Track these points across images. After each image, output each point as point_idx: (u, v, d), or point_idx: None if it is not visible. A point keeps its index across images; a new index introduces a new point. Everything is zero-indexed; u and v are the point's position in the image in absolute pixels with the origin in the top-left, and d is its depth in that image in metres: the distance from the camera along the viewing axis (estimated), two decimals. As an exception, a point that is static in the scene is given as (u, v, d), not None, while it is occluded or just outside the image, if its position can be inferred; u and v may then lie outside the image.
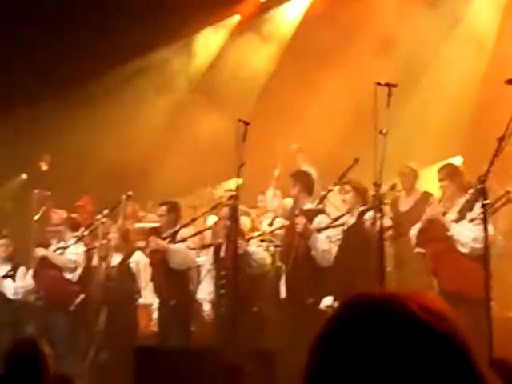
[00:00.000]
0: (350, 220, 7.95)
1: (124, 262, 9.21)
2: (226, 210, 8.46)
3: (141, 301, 9.09)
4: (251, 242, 8.44)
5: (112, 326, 8.97)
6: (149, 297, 9.03)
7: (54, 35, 11.61)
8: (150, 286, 8.99)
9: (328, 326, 1.18)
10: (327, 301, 7.59)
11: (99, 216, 9.61)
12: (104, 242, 9.62)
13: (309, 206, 8.27)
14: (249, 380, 4.59)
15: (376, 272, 6.17)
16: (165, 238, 8.75)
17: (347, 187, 7.99)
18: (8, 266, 9.70)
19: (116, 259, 9.29)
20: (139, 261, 9.17)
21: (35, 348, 3.30)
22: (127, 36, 11.40)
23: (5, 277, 9.60)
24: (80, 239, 9.46)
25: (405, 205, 8.64)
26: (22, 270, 9.65)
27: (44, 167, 11.56)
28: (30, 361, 3.25)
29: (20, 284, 9.54)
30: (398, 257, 8.13)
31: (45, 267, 9.30)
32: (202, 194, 11.49)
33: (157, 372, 4.74)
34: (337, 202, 8.53)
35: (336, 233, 8.02)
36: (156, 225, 9.42)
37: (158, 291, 8.82)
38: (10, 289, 9.56)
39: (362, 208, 7.81)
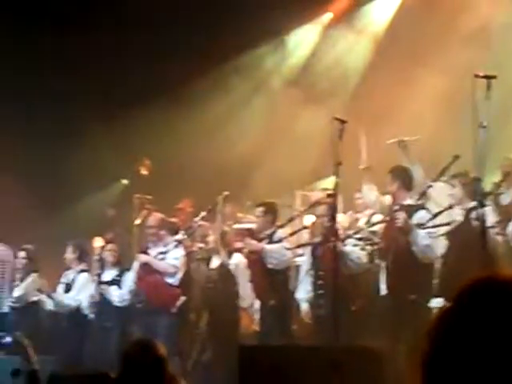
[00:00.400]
0: (458, 217, 7.83)
1: (223, 264, 9.28)
2: (323, 209, 8.44)
3: (241, 301, 9.16)
4: (348, 241, 8.39)
5: (214, 326, 9.07)
6: (249, 297, 9.09)
7: (150, 36, 11.81)
8: (250, 286, 9.05)
9: (453, 305, 1.17)
10: (437, 302, 7.49)
11: (197, 218, 9.70)
12: (202, 245, 9.73)
13: (408, 201, 8.18)
14: (352, 377, 4.59)
15: (486, 269, 6.03)
16: (262, 239, 8.78)
17: (454, 181, 7.88)
18: (115, 271, 9.79)
19: (215, 261, 9.37)
20: (238, 262, 9.22)
21: (152, 349, 3.36)
22: (223, 36, 11.53)
23: (111, 283, 9.72)
24: (180, 243, 9.51)
25: (506, 198, 8.46)
26: (128, 275, 9.70)
27: (144, 172, 11.78)
28: (147, 362, 3.29)
29: (126, 290, 9.62)
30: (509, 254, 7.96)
31: (147, 272, 9.41)
32: (298, 193, 11.49)
33: (260, 369, 4.78)
34: (438, 198, 8.40)
35: (438, 229, 7.91)
36: (252, 226, 9.46)
37: (258, 292, 8.86)
38: (116, 295, 9.65)
39: (470, 204, 7.67)
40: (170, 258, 9.39)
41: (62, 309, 9.95)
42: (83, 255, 10.28)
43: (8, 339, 4.69)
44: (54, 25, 11.66)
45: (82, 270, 10.19)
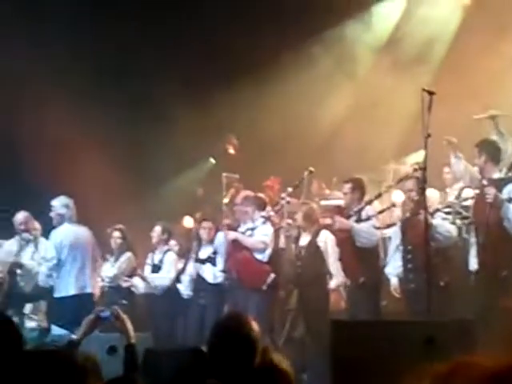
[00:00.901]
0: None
1: (312, 241, 9.29)
2: (412, 183, 8.37)
3: (330, 279, 9.16)
4: (437, 214, 8.30)
5: (304, 303, 9.11)
6: (337, 274, 9.08)
7: (238, 11, 11.85)
8: (338, 263, 9.04)
9: None
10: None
11: (284, 194, 9.71)
12: (290, 221, 9.74)
13: (497, 175, 8.03)
14: (446, 352, 4.56)
15: None
16: (350, 216, 8.74)
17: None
18: (210, 249, 9.85)
19: (304, 239, 9.39)
20: (327, 239, 9.22)
21: (244, 322, 3.42)
22: (311, 10, 11.50)
23: (206, 260, 9.80)
24: (267, 219, 9.51)
25: None
26: (221, 252, 9.75)
27: (231, 150, 11.86)
28: (240, 334, 3.35)
29: (219, 267, 9.70)
30: None
31: (236, 249, 9.45)
32: (388, 167, 11.35)
33: (353, 345, 4.80)
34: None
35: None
36: (340, 202, 9.42)
37: (347, 269, 8.83)
38: (210, 273, 9.75)
39: None
40: (259, 234, 9.39)
41: (154, 290, 10.14)
42: (170, 236, 10.45)
43: (106, 313, 4.80)
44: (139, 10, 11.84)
45: (168, 250, 10.36)
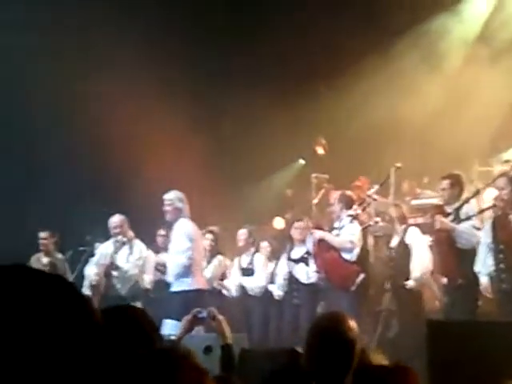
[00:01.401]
0: None
1: (401, 240, 9.21)
2: (504, 182, 8.21)
3: (418, 276, 9.03)
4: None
5: (398, 303, 9.04)
6: (426, 273, 8.97)
7: (325, 14, 11.87)
8: (428, 261, 8.93)
9: None
10: None
11: (371, 192, 9.58)
12: (378, 219, 9.65)
13: None
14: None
15: None
16: (448, 214, 8.56)
17: None
18: (303, 249, 9.84)
19: (395, 238, 9.31)
20: (415, 238, 9.13)
21: (343, 321, 3.42)
22: (400, 8, 11.43)
23: (298, 261, 9.80)
24: (355, 218, 9.37)
25: None
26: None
27: (320, 151, 11.86)
28: (339, 333, 3.35)
29: (313, 268, 9.66)
30: None
31: (323, 249, 9.38)
32: (478, 168, 11.10)
33: (449, 344, 4.77)
34: None
35: None
36: (434, 201, 9.26)
37: (445, 269, 8.65)
38: (303, 273, 9.74)
39: None
40: (346, 233, 9.28)
41: (249, 291, 10.21)
42: (256, 240, 10.49)
43: (203, 314, 4.89)
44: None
45: (256, 252, 10.41)
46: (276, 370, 3.81)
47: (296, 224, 10.11)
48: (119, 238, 9.70)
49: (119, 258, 9.70)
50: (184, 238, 8.74)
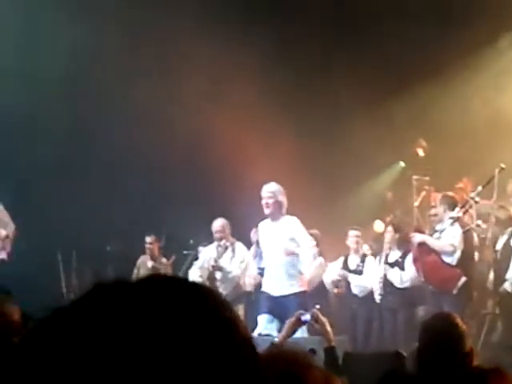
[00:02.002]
0: None
1: (507, 243, 9.03)
2: None
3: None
4: None
5: (503, 307, 8.87)
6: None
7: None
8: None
9: None
10: None
11: (473, 194, 9.42)
12: (480, 222, 9.46)
13: None
14: None
15: None
16: None
17: None
18: (399, 253, 9.77)
19: (500, 241, 9.12)
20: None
21: (455, 322, 3.41)
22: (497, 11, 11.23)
23: (393, 264, 9.73)
24: (456, 221, 9.16)
25: None
26: (410, 256, 9.60)
27: (421, 153, 11.73)
28: (452, 334, 3.34)
29: (408, 272, 9.57)
30: None
31: (423, 252, 9.27)
32: None
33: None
34: None
35: None
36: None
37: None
38: (397, 277, 9.65)
39: None
40: (447, 236, 9.11)
41: (357, 293, 10.21)
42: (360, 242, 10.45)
43: (307, 316, 4.94)
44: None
45: (365, 254, 10.37)
46: (381, 373, 3.81)
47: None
48: (222, 242, 9.83)
49: (222, 261, 9.83)
50: (292, 240, 8.31)
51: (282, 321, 6.05)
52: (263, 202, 8.30)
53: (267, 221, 8.52)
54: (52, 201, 10.90)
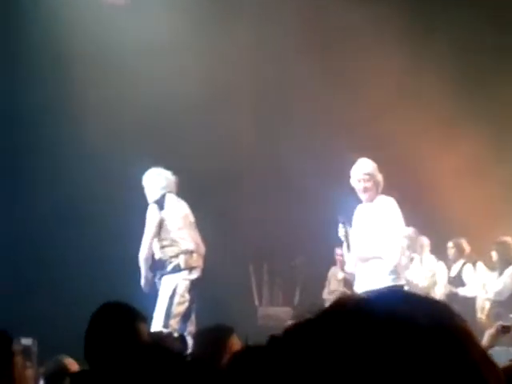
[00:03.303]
0: None
1: None
2: None
3: None
4: None
5: None
6: None
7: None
8: None
9: None
10: None
11: None
12: None
13: None
14: None
15: None
16: None
17: None
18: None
19: None
20: None
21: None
22: None
23: None
24: None
25: None
26: None
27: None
28: None
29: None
30: None
31: None
32: None
33: None
34: None
35: None
36: None
37: None
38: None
39: None
40: None
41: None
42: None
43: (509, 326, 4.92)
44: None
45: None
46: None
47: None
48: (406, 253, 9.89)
49: (409, 273, 9.87)
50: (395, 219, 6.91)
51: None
52: (360, 185, 6.93)
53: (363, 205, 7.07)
54: (244, 215, 11.15)
